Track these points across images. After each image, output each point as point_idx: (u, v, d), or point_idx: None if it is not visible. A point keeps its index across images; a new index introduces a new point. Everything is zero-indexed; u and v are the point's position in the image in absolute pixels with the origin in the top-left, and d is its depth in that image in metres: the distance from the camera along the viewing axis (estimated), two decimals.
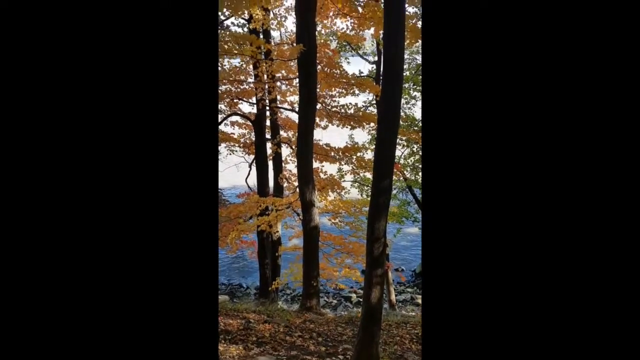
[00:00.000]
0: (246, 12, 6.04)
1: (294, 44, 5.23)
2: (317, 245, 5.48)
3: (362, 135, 8.23)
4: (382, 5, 4.59)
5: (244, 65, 6.90)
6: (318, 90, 6.04)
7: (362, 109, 7.29)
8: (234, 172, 9.02)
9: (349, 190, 7.98)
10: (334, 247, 6.59)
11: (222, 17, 5.94)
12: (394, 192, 8.68)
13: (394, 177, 8.07)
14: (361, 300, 6.59)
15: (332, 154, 7.16)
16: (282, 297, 9.46)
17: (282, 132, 7.90)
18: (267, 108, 7.22)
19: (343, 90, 6.96)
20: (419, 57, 8.79)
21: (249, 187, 8.59)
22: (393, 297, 8.79)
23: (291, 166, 7.86)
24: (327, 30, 7.74)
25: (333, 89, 6.95)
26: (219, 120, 7.19)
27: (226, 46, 5.64)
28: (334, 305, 9.51)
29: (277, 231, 7.46)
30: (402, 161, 8.61)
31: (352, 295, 9.89)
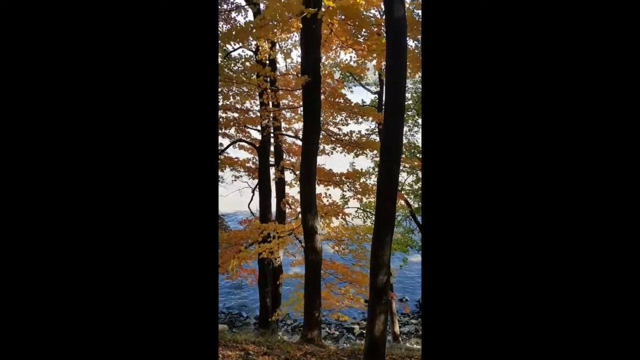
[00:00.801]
0: (253, 43, 6.30)
1: (299, 75, 5.40)
2: (319, 274, 5.35)
3: (365, 163, 8.27)
4: (384, 38, 4.77)
5: (251, 94, 7.10)
6: (322, 117, 6.15)
7: (365, 136, 7.39)
8: (237, 197, 9.02)
9: (353, 216, 7.92)
10: (337, 276, 6.43)
11: (230, 49, 6.19)
12: (398, 219, 8.59)
13: (397, 205, 8.03)
14: (364, 332, 6.35)
15: (336, 178, 7.18)
16: (283, 328, 9.14)
17: (286, 157, 7.97)
18: (272, 135, 7.34)
19: (346, 118, 7.09)
20: (420, 86, 9.01)
21: (251, 212, 8.56)
22: (397, 328, 8.47)
23: (294, 192, 7.86)
24: (331, 62, 8.01)
25: (337, 116, 7.08)
26: (225, 146, 7.30)
27: (234, 75, 5.83)
28: (336, 337, 9.15)
29: (279, 257, 7.34)
30: (405, 188, 8.60)
31: (355, 326, 9.54)
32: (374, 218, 4.81)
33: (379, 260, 3.31)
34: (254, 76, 6.15)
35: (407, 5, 6.84)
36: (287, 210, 7.89)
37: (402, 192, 8.31)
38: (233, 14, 7.03)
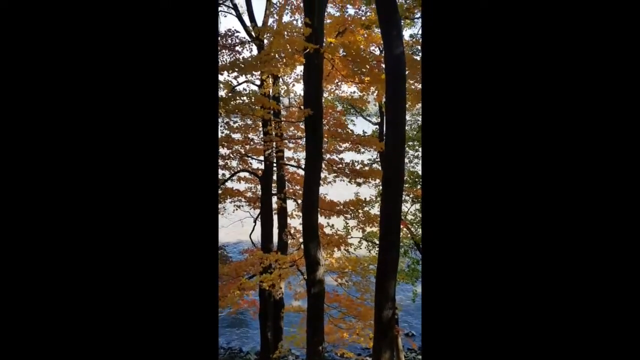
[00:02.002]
0: (257, 76, 6.52)
1: (302, 107, 5.53)
2: (322, 307, 5.17)
3: (368, 191, 8.26)
4: (383, 72, 4.93)
5: (254, 126, 7.25)
6: (324, 147, 6.22)
7: (367, 165, 7.43)
8: (239, 227, 8.94)
9: (356, 246, 7.78)
10: (341, 310, 6.21)
11: (235, 83, 6.41)
12: (403, 249, 8.42)
13: (402, 234, 7.91)
14: None
15: (338, 208, 7.13)
16: None
17: (288, 186, 7.98)
18: (275, 164, 7.40)
19: (349, 146, 7.16)
20: (419, 117, 9.17)
21: (252, 243, 8.45)
22: None
23: (296, 222, 7.79)
24: (333, 96, 8.23)
25: (339, 146, 7.16)
26: (228, 176, 7.35)
27: (239, 106, 5.98)
28: None
29: (281, 289, 7.14)
30: (408, 217, 8.51)
31: None
32: (378, 248, 4.72)
33: (384, 293, 3.21)
34: (258, 108, 6.31)
35: (407, 39, 7.13)
36: (289, 241, 7.78)
37: (406, 221, 8.22)
38: (238, 48, 7.34)
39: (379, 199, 7.64)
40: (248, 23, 6.84)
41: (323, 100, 5.69)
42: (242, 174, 8.14)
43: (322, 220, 6.49)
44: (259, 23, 6.90)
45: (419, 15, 6.16)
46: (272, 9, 7.13)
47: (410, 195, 8.02)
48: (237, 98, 5.98)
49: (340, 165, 7.01)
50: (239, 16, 6.81)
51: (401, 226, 6.46)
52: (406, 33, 7.60)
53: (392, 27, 3.21)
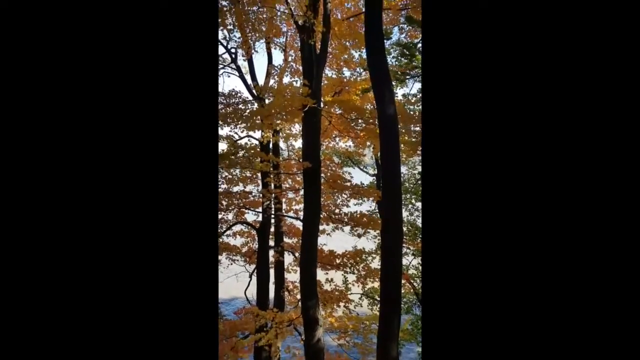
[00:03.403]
0: (258, 132, 6.77)
1: (301, 160, 5.67)
2: None
3: (368, 244, 8.10)
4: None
5: (253, 178, 7.34)
6: (323, 198, 6.24)
7: (366, 216, 7.38)
8: (234, 282, 8.58)
9: (357, 303, 7.40)
10: None
11: (236, 137, 6.64)
12: (405, 306, 8.01)
13: (404, 289, 7.58)
14: None
15: (337, 261, 6.92)
16: None
17: (286, 239, 7.82)
18: (273, 216, 7.34)
19: (347, 199, 7.18)
20: (418, 167, 9.35)
21: (247, 300, 8.04)
22: None
23: (294, 277, 7.51)
24: (331, 150, 8.49)
25: (338, 196, 7.19)
26: (224, 230, 7.25)
27: (239, 160, 6.12)
28: None
29: (278, 347, 6.62)
30: (410, 271, 8.23)
31: None
32: (379, 306, 4.49)
33: (386, 354, 2.98)
34: (258, 160, 6.46)
35: (399, 98, 7.57)
36: (287, 297, 7.42)
37: (408, 275, 7.93)
38: (240, 106, 7.73)
39: (379, 252, 7.46)
40: (250, 83, 7.31)
41: (321, 154, 5.85)
42: (238, 228, 8.03)
43: (320, 274, 6.27)
44: (261, 83, 7.36)
45: (410, 76, 6.62)
46: (273, 72, 7.66)
47: (412, 248, 7.85)
48: (238, 152, 6.15)
49: (339, 215, 6.97)
50: (242, 77, 7.29)
51: (403, 281, 6.22)
52: (399, 92, 8.10)
53: (385, 90, 3.44)
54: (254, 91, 7.01)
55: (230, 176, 6.68)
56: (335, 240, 7.66)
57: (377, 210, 8.33)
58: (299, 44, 5.57)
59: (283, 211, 7.62)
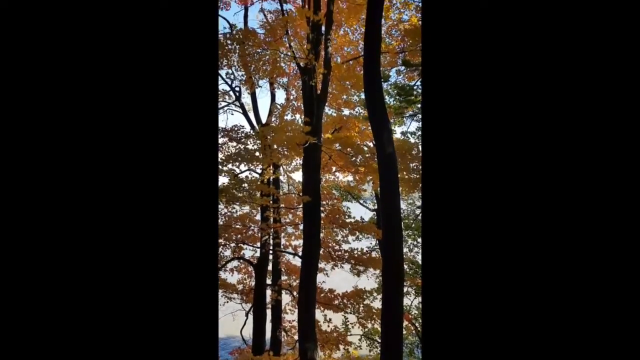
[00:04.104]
0: (259, 166, 6.85)
1: (301, 194, 5.68)
2: None
3: (369, 283, 7.88)
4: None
5: (253, 213, 7.31)
6: (322, 235, 6.17)
7: (366, 254, 7.25)
8: (230, 321, 8.25)
9: (357, 345, 7.05)
10: None
11: (238, 171, 6.71)
12: (407, 349, 7.62)
13: (406, 331, 7.25)
14: None
15: (337, 302, 6.69)
16: None
17: (284, 277, 7.62)
18: (271, 252, 7.21)
19: (347, 235, 7.09)
20: (418, 202, 9.32)
21: (243, 339, 7.68)
22: None
23: (291, 316, 7.23)
24: (331, 183, 8.52)
25: (337, 233, 7.10)
26: (220, 265, 7.09)
27: (240, 195, 6.13)
28: None
29: None
30: (412, 312, 7.93)
31: None
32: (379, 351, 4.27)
33: None
34: (258, 194, 6.47)
35: (398, 136, 7.72)
36: (284, 338, 7.10)
37: (410, 315, 7.63)
38: (243, 141, 7.89)
39: (380, 292, 7.24)
40: (253, 119, 7.51)
41: (321, 188, 5.87)
42: (235, 264, 7.86)
43: (319, 314, 6.04)
44: (263, 120, 7.57)
45: (408, 114, 6.80)
46: (275, 110, 7.90)
47: (413, 287, 7.62)
48: (239, 186, 6.18)
49: (339, 253, 6.84)
50: (245, 113, 7.51)
51: (404, 322, 5.96)
52: (398, 129, 8.28)
53: (383, 130, 3.52)
54: (256, 127, 7.18)
55: (229, 213, 6.65)
56: (334, 278, 7.47)
57: (377, 247, 8.19)
58: (301, 84, 5.79)
59: (282, 247, 7.50)
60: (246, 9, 7.42)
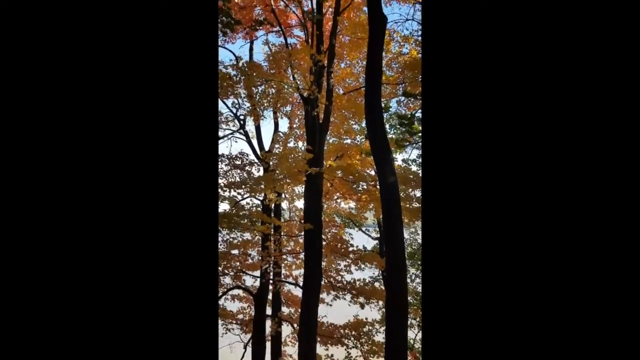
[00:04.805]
0: (262, 194, 6.87)
1: (302, 221, 5.65)
2: None
3: (371, 314, 7.62)
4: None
5: (254, 241, 7.23)
6: (324, 264, 6.06)
7: (369, 285, 7.07)
8: (227, 353, 7.92)
9: None
10: None
11: (239, 198, 6.72)
12: None
13: None
14: None
15: (338, 335, 6.44)
16: None
17: (284, 308, 7.40)
18: (272, 281, 7.06)
19: (349, 265, 6.95)
20: (418, 236, 9.20)
21: None
22: None
23: (291, 349, 6.94)
24: (332, 211, 8.49)
25: (339, 263, 6.97)
26: (220, 294, 6.92)
27: (241, 223, 6.09)
28: None
29: None
30: (416, 346, 7.60)
31: None
32: None
33: None
34: (259, 222, 6.43)
35: (399, 163, 7.78)
36: None
37: (415, 351, 7.31)
38: (247, 168, 7.97)
39: (383, 324, 6.99)
40: (257, 147, 7.63)
41: (322, 215, 5.84)
42: (235, 292, 7.67)
43: (320, 349, 5.80)
44: (266, 148, 7.69)
45: (408, 145, 6.89)
46: (278, 138, 8.04)
47: (417, 319, 7.36)
48: (240, 213, 6.17)
49: (341, 282, 6.67)
50: (249, 141, 7.65)
51: (409, 358, 5.70)
52: (399, 156, 8.35)
53: (385, 157, 3.56)
54: (260, 155, 7.28)
55: (230, 239, 6.59)
56: (336, 309, 7.24)
57: (380, 277, 8.01)
58: (304, 113, 5.93)
59: (282, 276, 7.35)
60: (251, 43, 7.76)
